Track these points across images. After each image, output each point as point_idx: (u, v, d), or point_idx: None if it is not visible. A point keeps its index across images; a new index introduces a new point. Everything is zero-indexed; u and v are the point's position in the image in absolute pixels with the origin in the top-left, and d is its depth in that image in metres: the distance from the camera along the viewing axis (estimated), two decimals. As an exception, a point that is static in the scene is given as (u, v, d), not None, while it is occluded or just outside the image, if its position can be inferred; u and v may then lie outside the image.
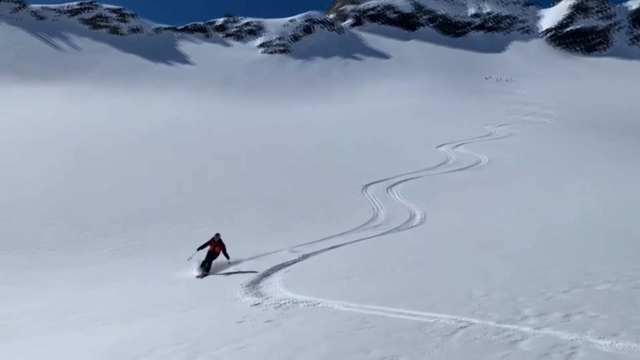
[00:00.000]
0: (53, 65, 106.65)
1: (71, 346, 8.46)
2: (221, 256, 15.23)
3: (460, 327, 5.73)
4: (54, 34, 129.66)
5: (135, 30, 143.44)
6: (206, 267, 14.85)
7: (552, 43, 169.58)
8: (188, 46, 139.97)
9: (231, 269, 14.63)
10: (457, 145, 48.36)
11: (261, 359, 5.53)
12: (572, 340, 4.95)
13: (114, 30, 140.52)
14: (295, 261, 14.62)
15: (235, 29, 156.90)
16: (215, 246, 15.26)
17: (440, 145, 47.97)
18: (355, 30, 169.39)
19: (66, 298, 12.61)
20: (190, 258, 15.04)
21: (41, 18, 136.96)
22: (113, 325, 9.62)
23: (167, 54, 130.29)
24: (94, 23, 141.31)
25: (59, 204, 25.76)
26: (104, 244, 20.21)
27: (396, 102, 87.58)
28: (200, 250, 15.29)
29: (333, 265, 13.67)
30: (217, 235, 15.63)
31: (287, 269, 13.35)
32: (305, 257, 15.34)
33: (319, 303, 8.31)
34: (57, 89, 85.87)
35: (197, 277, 14.40)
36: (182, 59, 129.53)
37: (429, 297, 7.68)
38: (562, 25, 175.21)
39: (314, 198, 28.03)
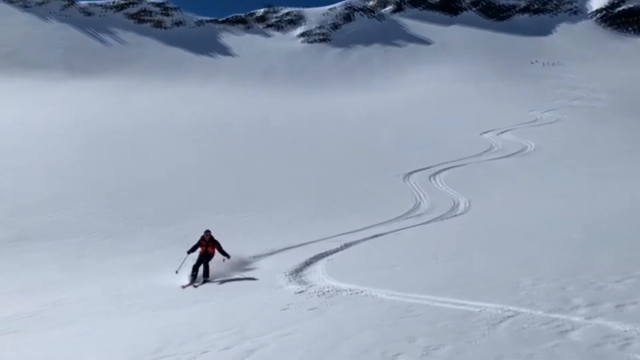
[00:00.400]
0: (101, 60, 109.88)
1: (123, 331, 8.79)
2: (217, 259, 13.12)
3: (507, 317, 5.63)
4: (101, 29, 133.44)
5: (178, 23, 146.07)
6: (204, 273, 12.82)
7: (603, 24, 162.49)
8: (229, 38, 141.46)
9: (231, 275, 12.89)
10: (502, 132, 47.27)
11: (306, 346, 5.58)
12: (626, 331, 4.79)
13: (158, 24, 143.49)
14: (337, 250, 14.67)
15: (275, 20, 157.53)
16: (208, 246, 13.17)
17: (485, 132, 46.99)
18: (396, 16, 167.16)
19: (117, 285, 13.06)
20: (178, 271, 12.71)
21: (89, 14, 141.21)
22: (161, 312, 9.93)
23: (209, 47, 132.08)
24: (139, 17, 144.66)
25: (108, 194, 26.64)
26: (151, 233, 20.79)
27: (438, 89, 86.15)
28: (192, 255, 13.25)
29: (376, 254, 13.65)
30: (208, 232, 13.43)
31: (329, 257, 13.42)
32: (347, 245, 15.37)
33: (362, 291, 8.32)
34: (105, 83, 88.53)
35: (185, 286, 12.21)
36: (224, 50, 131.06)
37: (474, 286, 7.57)
38: (613, 4, 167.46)
39: (355, 187, 27.99)
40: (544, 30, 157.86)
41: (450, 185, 28.01)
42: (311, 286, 9.55)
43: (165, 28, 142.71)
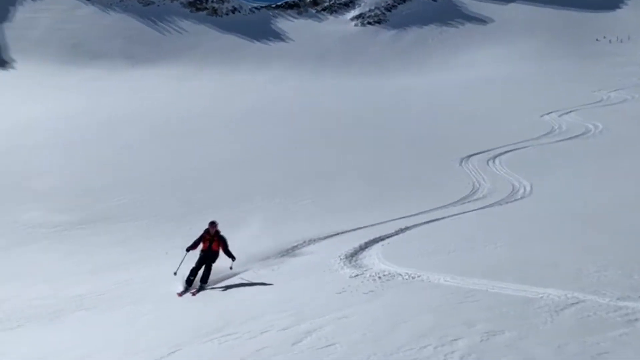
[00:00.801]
0: (159, 49, 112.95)
1: (187, 310, 9.17)
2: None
3: (572, 304, 5.47)
4: (160, 18, 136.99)
5: (233, 11, 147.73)
6: (202, 277, 10.76)
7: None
8: (283, 23, 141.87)
9: (236, 279, 11.11)
10: (564, 113, 45.32)
11: (363, 329, 5.64)
12: (700, 321, 4.56)
13: (213, 12, 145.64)
14: (392, 234, 14.59)
15: (328, 3, 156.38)
16: (212, 241, 10.97)
17: (546, 114, 45.21)
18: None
19: (179, 267, 13.54)
20: (177, 273, 10.69)
21: (147, 4, 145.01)
22: (220, 293, 10.26)
23: (264, 33, 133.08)
24: (195, 6, 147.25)
25: (169, 179, 27.58)
26: (210, 217, 21.32)
27: (496, 70, 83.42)
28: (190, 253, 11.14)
29: (432, 239, 13.50)
30: (213, 225, 11.21)
31: (384, 242, 13.37)
32: (402, 230, 15.26)
33: (419, 276, 8.28)
34: (164, 72, 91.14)
35: (181, 293, 10.36)
36: (278, 36, 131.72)
37: (536, 272, 7.39)
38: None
39: (411, 171, 27.69)
40: (612, 5, 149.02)
41: (510, 168, 27.22)
42: (366, 270, 9.58)
43: (220, 16, 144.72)
